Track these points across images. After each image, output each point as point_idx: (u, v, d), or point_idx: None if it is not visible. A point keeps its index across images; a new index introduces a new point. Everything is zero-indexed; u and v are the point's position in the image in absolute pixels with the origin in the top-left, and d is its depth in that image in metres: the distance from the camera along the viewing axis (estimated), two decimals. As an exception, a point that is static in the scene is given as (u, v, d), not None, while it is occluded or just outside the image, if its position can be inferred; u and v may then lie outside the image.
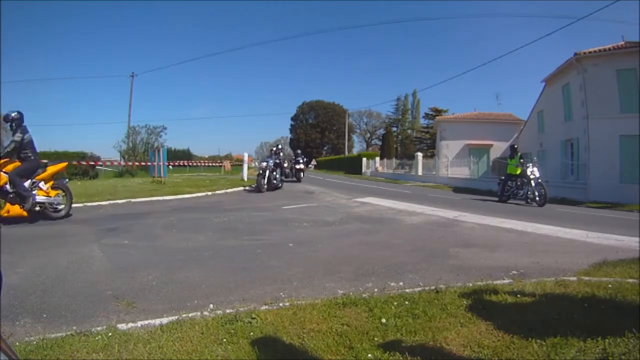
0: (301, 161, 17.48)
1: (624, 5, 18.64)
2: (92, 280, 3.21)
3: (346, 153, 43.68)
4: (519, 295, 2.64)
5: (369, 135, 61.71)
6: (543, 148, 18.32)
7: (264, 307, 2.50)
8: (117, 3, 68.09)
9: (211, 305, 2.59)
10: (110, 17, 68.73)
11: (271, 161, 12.16)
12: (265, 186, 11.68)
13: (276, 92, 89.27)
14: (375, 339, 2.03)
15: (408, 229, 5.95)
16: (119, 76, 64.56)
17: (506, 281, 3.13)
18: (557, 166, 15.60)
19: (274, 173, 12.26)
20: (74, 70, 71.60)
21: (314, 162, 43.18)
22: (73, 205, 7.81)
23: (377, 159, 32.60)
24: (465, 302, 2.53)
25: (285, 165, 18.90)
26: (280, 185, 12.67)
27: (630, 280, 3.00)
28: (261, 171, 11.96)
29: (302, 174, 17.25)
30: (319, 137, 58.41)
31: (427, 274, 3.47)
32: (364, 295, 2.70)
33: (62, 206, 6.29)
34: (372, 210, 8.08)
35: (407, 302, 2.54)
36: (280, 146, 13.84)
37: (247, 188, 12.33)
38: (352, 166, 34.19)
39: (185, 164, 25.27)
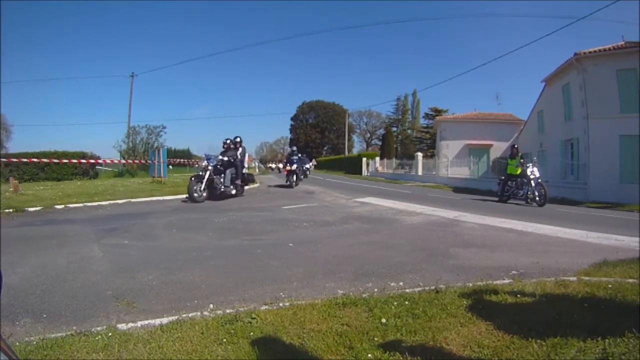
0: (295, 160, 13.86)
1: (624, 5, 18.66)
2: (92, 280, 3.21)
3: (346, 153, 43.66)
4: (519, 295, 2.64)
5: (369, 135, 61.75)
6: (543, 148, 18.32)
7: (264, 307, 2.50)
8: (117, 3, 68.18)
9: (211, 305, 2.59)
10: (110, 17, 68.75)
11: (218, 158, 9.21)
12: (203, 193, 8.75)
13: (276, 92, 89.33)
14: (375, 339, 2.03)
15: (408, 229, 5.95)
16: (119, 76, 64.58)
17: (506, 281, 3.13)
18: (557, 166, 15.60)
19: (221, 176, 9.18)
20: (74, 70, 71.69)
21: (313, 162, 42.92)
22: (73, 205, 7.84)
23: (377, 159, 32.61)
24: (465, 302, 2.52)
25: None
26: (234, 192, 9.54)
27: (630, 280, 3.00)
28: (201, 172, 8.95)
29: (294, 177, 13.58)
30: (319, 137, 58.42)
31: (427, 274, 3.47)
32: (364, 295, 2.69)
33: None
34: (372, 210, 8.08)
35: (407, 302, 2.54)
36: (239, 139, 10.23)
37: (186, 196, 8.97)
38: (352, 166, 34.19)
39: (185, 163, 25.25)
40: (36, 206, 7.45)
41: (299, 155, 15.11)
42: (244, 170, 10.52)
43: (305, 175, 21.16)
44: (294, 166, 13.68)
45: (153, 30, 78.25)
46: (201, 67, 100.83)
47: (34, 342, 1.95)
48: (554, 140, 16.98)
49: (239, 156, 10.01)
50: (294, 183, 13.59)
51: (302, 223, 6.16)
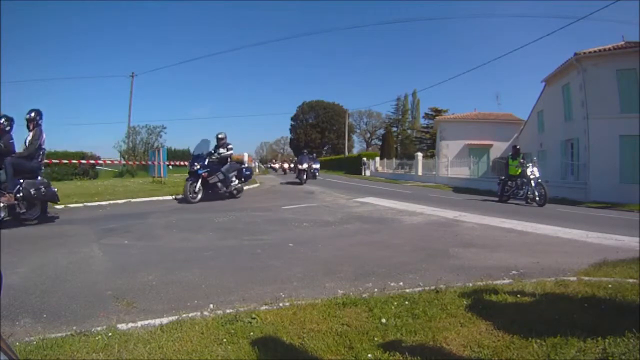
0: (203, 160, 8.73)
1: (624, 5, 18.68)
2: (92, 280, 3.21)
3: (346, 153, 43.68)
4: (519, 295, 2.64)
5: (369, 135, 61.76)
6: (543, 148, 18.34)
7: (264, 307, 2.50)
8: (117, 3, 68.21)
9: (211, 305, 2.59)
10: (110, 17, 68.80)
11: None
12: None
13: (276, 92, 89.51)
14: (375, 339, 2.03)
15: (408, 229, 5.95)
16: (119, 76, 64.47)
17: (506, 281, 3.13)
18: (557, 166, 15.60)
19: None
20: (74, 70, 71.77)
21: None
22: (73, 205, 7.83)
23: (377, 159, 32.62)
24: (465, 302, 2.52)
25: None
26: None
27: (630, 280, 3.00)
28: None
29: (195, 185, 8.62)
30: (319, 137, 58.39)
31: (427, 274, 3.47)
32: (364, 295, 2.69)
33: None
34: (372, 210, 8.08)
35: (407, 302, 2.54)
36: (32, 114, 5.70)
37: None
38: (352, 166, 34.19)
39: (186, 163, 25.25)
40: (36, 206, 7.42)
41: (227, 146, 9.32)
42: (40, 177, 5.82)
43: (314, 176, 18.79)
44: (195, 167, 8.64)
45: (153, 30, 78.46)
46: (201, 67, 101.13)
47: (34, 342, 1.95)
48: (554, 140, 16.99)
49: (27, 146, 5.67)
50: (195, 197, 8.55)
51: (302, 223, 6.16)
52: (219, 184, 9.10)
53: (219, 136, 9.49)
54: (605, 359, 1.77)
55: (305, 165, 15.87)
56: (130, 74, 25.21)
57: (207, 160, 8.86)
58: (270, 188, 13.70)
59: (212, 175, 8.86)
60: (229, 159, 9.52)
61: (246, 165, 11.16)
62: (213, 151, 9.22)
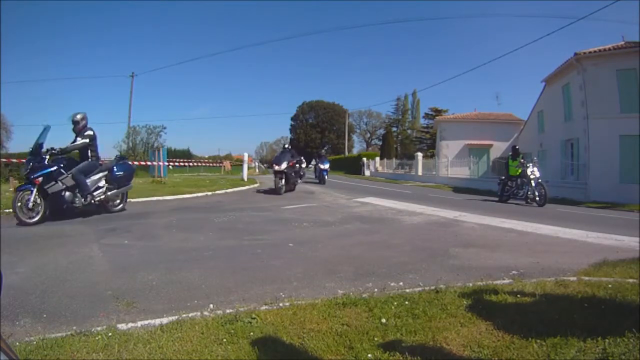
0: (72, 144, 6.23)
1: (624, 5, 18.69)
2: (92, 280, 3.20)
3: (346, 153, 43.70)
4: (519, 295, 2.64)
5: (369, 135, 61.84)
6: (543, 148, 18.33)
7: (264, 307, 2.50)
8: (117, 3, 68.27)
9: (211, 305, 2.59)
10: (110, 17, 68.85)
11: None
12: None
13: (276, 92, 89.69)
14: (375, 339, 2.03)
15: (408, 229, 5.94)
16: (119, 76, 64.50)
17: (506, 281, 3.13)
18: (557, 166, 15.59)
19: None
20: (74, 70, 71.83)
21: (313, 162, 41.35)
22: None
23: (377, 159, 32.65)
24: (465, 302, 2.52)
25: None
26: None
27: (630, 280, 3.00)
28: None
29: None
30: (319, 137, 58.47)
31: (427, 274, 3.47)
32: (364, 295, 2.69)
33: None
34: (372, 210, 8.08)
35: (407, 302, 2.54)
36: None
37: None
38: (352, 166, 34.21)
39: (185, 164, 25.23)
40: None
41: (74, 142, 6.25)
42: None
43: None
44: (28, 169, 5.80)
45: (153, 30, 78.59)
46: (201, 67, 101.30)
47: (34, 342, 1.94)
48: (554, 140, 16.99)
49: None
50: (31, 215, 5.61)
51: (302, 223, 6.15)
52: (67, 194, 5.95)
53: (75, 118, 6.29)
54: (605, 359, 1.76)
55: (283, 166, 10.61)
56: (130, 74, 25.24)
57: (46, 157, 5.90)
58: (269, 188, 13.66)
59: (52, 180, 5.82)
60: (89, 154, 6.34)
61: (124, 161, 7.46)
62: (72, 142, 6.24)
